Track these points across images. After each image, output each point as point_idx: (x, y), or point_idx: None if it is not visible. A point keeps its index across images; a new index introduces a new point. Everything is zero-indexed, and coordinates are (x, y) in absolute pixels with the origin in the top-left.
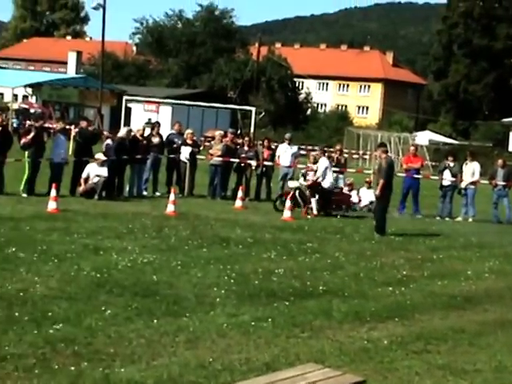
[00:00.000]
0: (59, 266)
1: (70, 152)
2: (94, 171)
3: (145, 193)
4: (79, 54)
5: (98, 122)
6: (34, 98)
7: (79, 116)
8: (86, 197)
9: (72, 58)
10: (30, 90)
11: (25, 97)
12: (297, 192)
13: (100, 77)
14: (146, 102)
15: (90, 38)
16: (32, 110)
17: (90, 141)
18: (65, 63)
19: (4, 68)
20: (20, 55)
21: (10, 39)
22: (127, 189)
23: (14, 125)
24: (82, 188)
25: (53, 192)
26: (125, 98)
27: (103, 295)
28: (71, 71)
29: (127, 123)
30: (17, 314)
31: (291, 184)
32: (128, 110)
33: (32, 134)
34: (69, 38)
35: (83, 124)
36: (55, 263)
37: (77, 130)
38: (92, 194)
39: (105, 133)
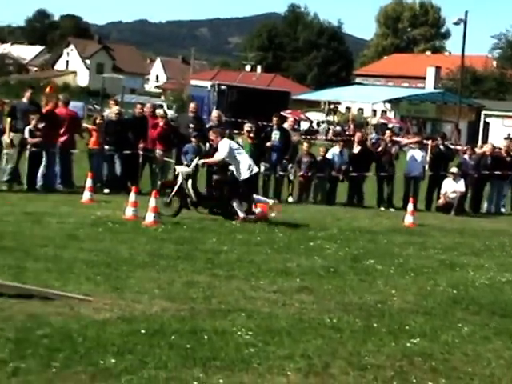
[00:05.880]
0: (415, 280)
1: (427, 167)
2: (451, 187)
3: (502, 210)
4: (438, 69)
5: (455, 137)
6: (393, 113)
7: (436, 131)
8: (443, 212)
9: (431, 73)
10: (388, 106)
11: (383, 112)
12: (189, 183)
13: (458, 91)
14: (506, 117)
15: (450, 53)
16: (390, 125)
17: (442, 157)
18: (423, 78)
19: (364, 84)
20: (380, 72)
21: (372, 56)
22: (485, 205)
23: (373, 140)
24: (440, 201)
25: (410, 206)
26: (483, 112)
27: (459, 312)
28: (429, 86)
29: (485, 138)
30: (375, 324)
31: (180, 169)
32: (486, 125)
33: (381, 148)
34: (428, 53)
35: (439, 140)
36: (411, 277)
37: (433, 144)
38: (449, 209)
39: (458, 147)
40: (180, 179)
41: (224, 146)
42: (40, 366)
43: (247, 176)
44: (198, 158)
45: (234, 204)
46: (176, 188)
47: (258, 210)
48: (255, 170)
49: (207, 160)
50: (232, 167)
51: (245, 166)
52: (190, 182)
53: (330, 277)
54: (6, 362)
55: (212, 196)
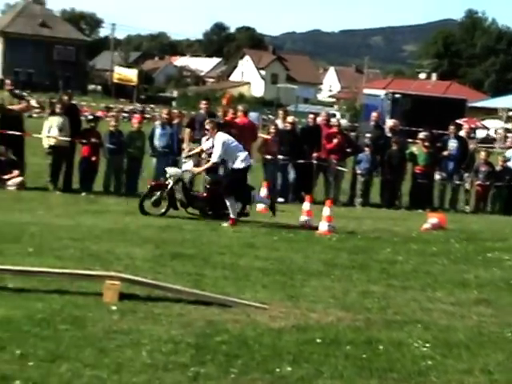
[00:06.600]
0: None
1: None
2: None
3: None
4: None
5: None
6: None
7: None
8: None
9: None
10: None
11: None
12: (179, 186)
13: None
14: None
15: None
16: None
17: None
18: None
19: None
20: None
21: None
22: None
23: None
24: None
25: None
26: None
27: None
28: None
29: None
30: None
31: (171, 171)
32: None
33: None
34: None
35: None
36: None
37: None
38: None
39: None
40: (170, 182)
41: (219, 142)
42: (219, 371)
43: (242, 166)
44: (192, 164)
45: (228, 203)
46: (166, 190)
47: (434, 221)
48: (251, 162)
49: (203, 167)
50: (229, 164)
51: (241, 158)
52: (180, 184)
53: (509, 289)
54: (187, 367)
55: (204, 197)
